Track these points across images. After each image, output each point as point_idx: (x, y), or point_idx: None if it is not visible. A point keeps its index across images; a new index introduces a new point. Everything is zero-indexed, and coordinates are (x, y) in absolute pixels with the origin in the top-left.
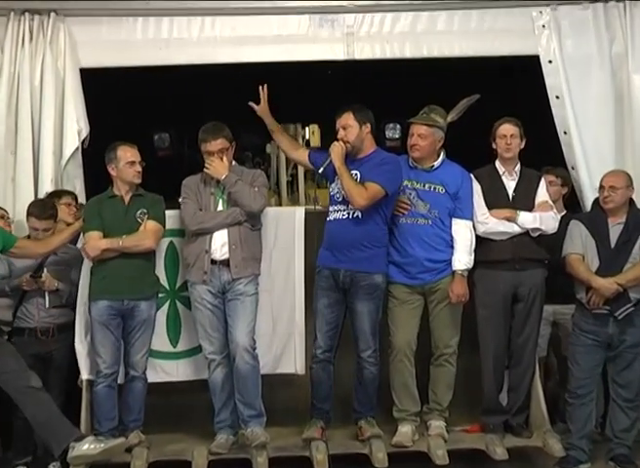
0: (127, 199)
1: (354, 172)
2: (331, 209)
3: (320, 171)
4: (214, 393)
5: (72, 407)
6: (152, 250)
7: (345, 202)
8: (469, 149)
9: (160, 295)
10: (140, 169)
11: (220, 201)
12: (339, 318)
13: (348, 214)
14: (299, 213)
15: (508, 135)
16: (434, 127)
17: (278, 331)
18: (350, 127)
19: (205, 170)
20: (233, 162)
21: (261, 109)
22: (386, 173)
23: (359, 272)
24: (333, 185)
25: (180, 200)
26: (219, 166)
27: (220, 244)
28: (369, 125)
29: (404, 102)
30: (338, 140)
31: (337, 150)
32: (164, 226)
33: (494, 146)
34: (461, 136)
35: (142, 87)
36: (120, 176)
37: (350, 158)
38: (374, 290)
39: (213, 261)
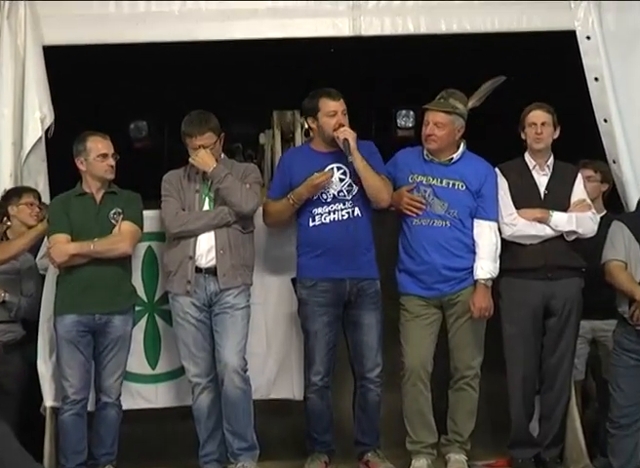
0: (98, 197)
1: (338, 165)
2: (319, 210)
3: (350, 160)
4: (198, 422)
5: (33, 439)
6: (128, 255)
7: (342, 200)
8: (494, 140)
9: (137, 309)
10: (113, 162)
11: (207, 199)
12: (337, 336)
13: (349, 213)
14: None
15: (539, 122)
16: (453, 114)
17: (273, 351)
18: (346, 113)
19: (190, 160)
20: (222, 154)
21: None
22: (381, 161)
23: (365, 279)
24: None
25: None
26: (205, 156)
27: (205, 249)
28: None
29: (418, 86)
30: (339, 127)
31: (354, 135)
32: (141, 228)
33: (522, 136)
34: (485, 125)
35: (117, 68)
36: (90, 171)
37: (331, 150)
38: (378, 297)
39: (198, 269)
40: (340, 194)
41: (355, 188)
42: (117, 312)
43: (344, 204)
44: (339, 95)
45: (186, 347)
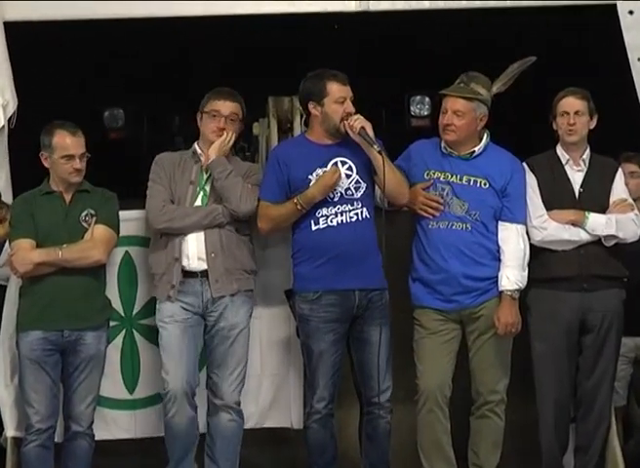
0: (68, 196)
1: (342, 159)
2: (325, 211)
3: (379, 149)
4: (171, 442)
5: None
6: (102, 263)
7: (350, 199)
8: (522, 130)
9: (112, 324)
10: (79, 166)
11: (201, 193)
12: (342, 357)
13: (357, 214)
14: None
15: (572, 111)
16: (475, 100)
17: (268, 372)
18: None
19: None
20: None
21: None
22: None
23: (375, 290)
24: (314, 181)
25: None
26: (217, 145)
27: (194, 250)
28: None
29: (435, 69)
30: (347, 115)
31: (369, 124)
32: (117, 232)
33: (554, 127)
34: (511, 113)
35: (90, 49)
36: (54, 170)
37: (333, 141)
38: (387, 312)
39: (190, 273)
40: (348, 192)
41: (363, 185)
42: (89, 328)
43: (352, 204)
44: (346, 78)
45: (167, 353)
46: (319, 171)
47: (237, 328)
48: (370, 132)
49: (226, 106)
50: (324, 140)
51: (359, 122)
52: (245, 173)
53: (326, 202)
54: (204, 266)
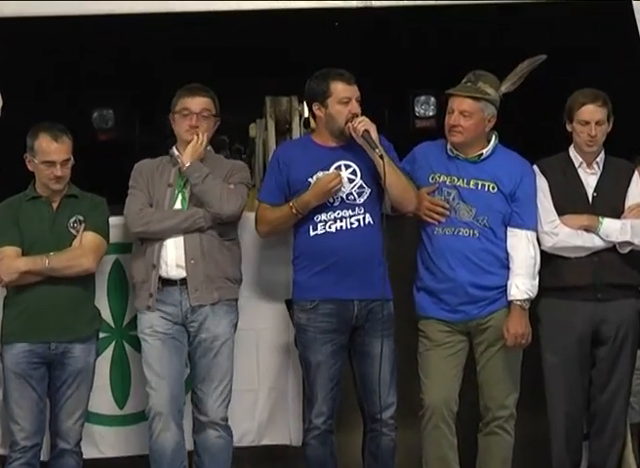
0: (55, 202)
1: (346, 163)
2: (324, 216)
3: (382, 153)
4: (157, 466)
5: None
6: (91, 272)
7: (352, 205)
8: (532, 131)
9: (102, 336)
10: (60, 173)
11: (180, 196)
12: (342, 370)
13: (359, 220)
14: None
15: (593, 122)
16: (482, 100)
17: (265, 387)
18: (359, 100)
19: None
20: (209, 147)
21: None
22: (397, 158)
23: (377, 300)
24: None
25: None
26: (189, 149)
27: (173, 257)
28: None
29: (441, 67)
30: (353, 116)
31: (374, 126)
32: (107, 239)
33: (568, 129)
34: (521, 113)
35: (79, 46)
36: (36, 174)
37: (338, 143)
38: (391, 323)
39: (164, 281)
40: (350, 197)
41: (367, 190)
42: (77, 340)
43: (354, 209)
44: (352, 78)
45: (150, 367)
46: (320, 174)
47: (220, 339)
48: (374, 135)
49: (196, 102)
50: (329, 143)
51: (362, 124)
52: (228, 172)
53: (325, 207)
54: (183, 274)
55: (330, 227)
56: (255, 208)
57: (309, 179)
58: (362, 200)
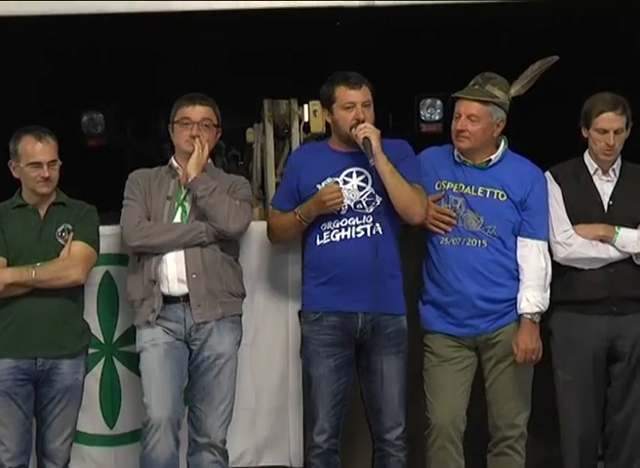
0: (42, 210)
1: (358, 170)
2: (329, 225)
3: (373, 163)
4: None
5: None
6: (80, 284)
7: (359, 213)
8: (543, 136)
9: (91, 352)
10: (47, 174)
11: (179, 209)
12: (347, 386)
13: (366, 230)
14: None
15: (612, 131)
16: (491, 104)
17: (264, 405)
18: (370, 104)
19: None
20: (209, 160)
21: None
22: (417, 166)
23: (385, 314)
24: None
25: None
26: (193, 161)
27: (173, 271)
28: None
29: (448, 69)
30: (357, 123)
31: (377, 134)
32: (97, 250)
33: (584, 134)
34: (531, 117)
35: (67, 46)
36: (23, 180)
37: (350, 149)
38: (402, 339)
39: (166, 298)
40: (358, 206)
41: (378, 199)
42: (66, 356)
43: (361, 218)
44: (360, 81)
45: (149, 377)
46: (328, 180)
47: (223, 357)
48: (375, 143)
49: (197, 112)
50: (342, 148)
51: (363, 132)
52: (230, 187)
53: (332, 215)
54: (185, 289)
55: (334, 236)
56: (254, 218)
57: (318, 186)
58: (371, 209)
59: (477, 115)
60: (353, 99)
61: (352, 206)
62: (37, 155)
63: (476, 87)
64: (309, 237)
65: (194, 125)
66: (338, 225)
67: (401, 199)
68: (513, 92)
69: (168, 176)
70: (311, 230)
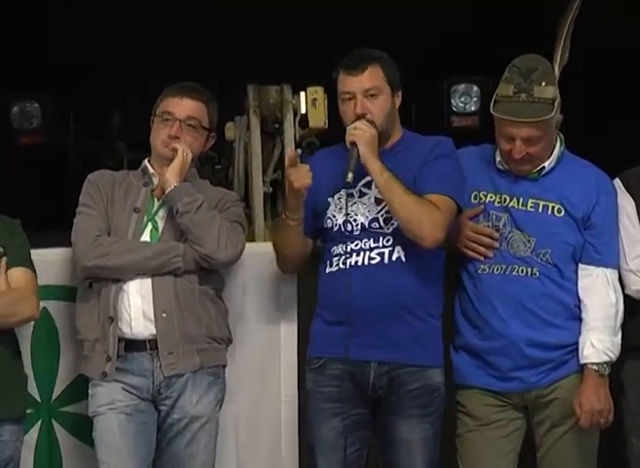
0: None
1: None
2: (339, 248)
3: (348, 179)
4: None
5: None
6: (33, 320)
7: (375, 233)
8: (607, 133)
9: (26, 412)
10: None
11: (150, 225)
12: (361, 455)
13: (382, 255)
14: None
15: None
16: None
17: None
18: (380, 93)
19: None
20: (194, 169)
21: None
22: (448, 174)
23: (407, 366)
24: (333, 206)
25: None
26: (176, 165)
27: (138, 306)
28: (400, 91)
29: (483, 47)
30: (357, 119)
31: (366, 137)
32: (36, 276)
33: None
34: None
35: None
36: None
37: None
38: (431, 398)
39: (128, 343)
40: (374, 225)
41: None
42: (8, 419)
43: (377, 240)
44: (364, 62)
45: (108, 447)
46: (342, 192)
47: (198, 420)
48: (363, 149)
49: (183, 107)
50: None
51: (351, 136)
52: (217, 205)
53: (343, 236)
54: (152, 331)
55: (344, 263)
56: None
57: (329, 199)
58: (391, 228)
59: (536, 136)
60: (350, 88)
61: (367, 224)
62: None
63: (522, 96)
64: (320, 264)
65: (176, 122)
66: (349, 249)
67: (401, 217)
68: (559, 66)
69: (139, 184)
70: (324, 255)
